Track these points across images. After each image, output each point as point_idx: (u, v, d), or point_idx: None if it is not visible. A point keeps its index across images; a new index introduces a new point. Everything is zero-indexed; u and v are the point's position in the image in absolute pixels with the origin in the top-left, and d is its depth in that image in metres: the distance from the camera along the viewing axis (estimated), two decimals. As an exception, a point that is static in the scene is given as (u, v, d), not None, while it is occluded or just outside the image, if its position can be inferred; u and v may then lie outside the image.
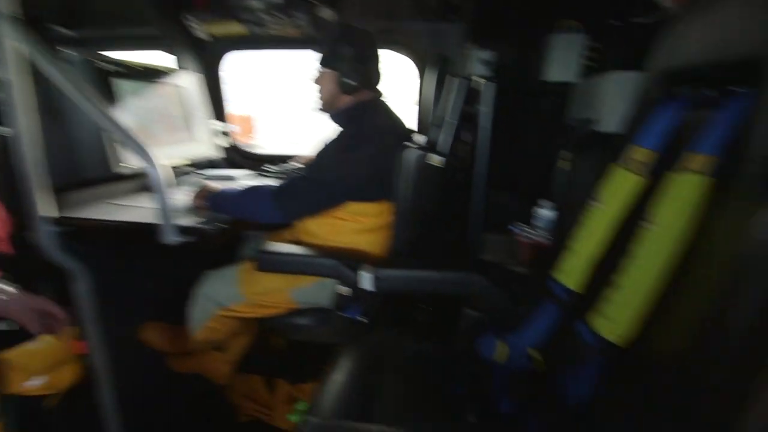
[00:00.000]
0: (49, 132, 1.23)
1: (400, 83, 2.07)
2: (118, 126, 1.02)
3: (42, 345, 1.51)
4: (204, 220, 1.18)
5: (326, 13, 1.71)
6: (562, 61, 1.52)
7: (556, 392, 0.69)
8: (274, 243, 1.23)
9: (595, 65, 1.50)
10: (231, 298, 1.29)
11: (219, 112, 2.02)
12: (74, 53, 1.35)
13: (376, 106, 1.32)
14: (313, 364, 1.64)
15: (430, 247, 1.26)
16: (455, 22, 1.74)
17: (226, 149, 2.02)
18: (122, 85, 1.41)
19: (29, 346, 1.49)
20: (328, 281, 1.26)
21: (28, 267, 1.52)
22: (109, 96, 1.35)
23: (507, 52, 1.54)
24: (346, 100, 1.32)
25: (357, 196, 1.23)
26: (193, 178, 1.73)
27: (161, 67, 1.67)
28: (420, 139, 1.45)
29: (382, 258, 1.12)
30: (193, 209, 1.28)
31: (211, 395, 1.59)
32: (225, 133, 1.97)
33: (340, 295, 1.21)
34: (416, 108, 1.93)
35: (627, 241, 0.62)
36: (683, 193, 0.54)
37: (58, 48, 1.64)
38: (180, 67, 1.82)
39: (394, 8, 1.75)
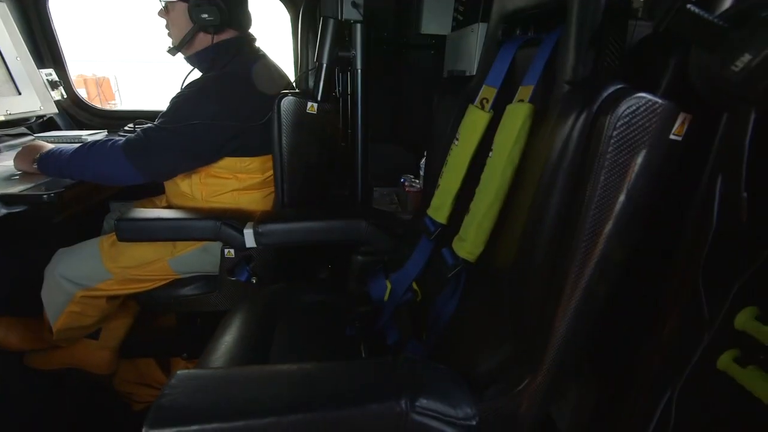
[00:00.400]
0: None
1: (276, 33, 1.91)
2: None
3: None
4: (38, 185, 0.98)
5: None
6: (436, 13, 1.59)
7: (431, 315, 0.77)
8: (137, 209, 1.08)
9: (463, 19, 1.59)
10: (95, 276, 1.13)
11: (50, 55, 1.63)
12: None
13: (244, 47, 1.20)
14: (208, 335, 1.57)
15: (316, 201, 1.25)
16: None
17: (66, 104, 1.67)
18: None
19: None
20: (211, 245, 1.18)
21: None
22: None
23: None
24: (206, 40, 1.16)
25: (232, 150, 1.13)
26: (23, 140, 1.40)
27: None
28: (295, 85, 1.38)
29: (266, 213, 1.07)
30: (21, 175, 1.05)
31: (95, 389, 1.42)
32: (60, 84, 1.60)
33: (227, 258, 1.14)
34: (293, 56, 1.82)
35: (479, 172, 0.70)
36: (513, 120, 0.62)
37: None
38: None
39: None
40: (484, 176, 0.67)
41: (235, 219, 1.11)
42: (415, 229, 0.96)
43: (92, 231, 1.52)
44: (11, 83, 1.36)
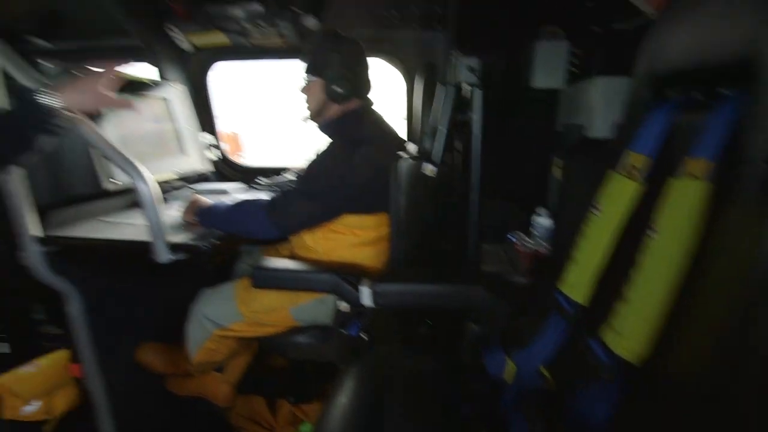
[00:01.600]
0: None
1: (389, 92, 2.07)
2: (103, 140, 0.99)
3: (36, 369, 1.47)
4: (196, 236, 1.15)
5: (310, 21, 1.69)
6: (548, 67, 1.54)
7: (571, 412, 0.68)
8: (270, 258, 1.20)
9: (579, 71, 1.52)
10: (229, 317, 1.26)
11: (208, 125, 1.99)
12: (54, 66, 1.32)
13: (366, 114, 1.31)
14: (315, 383, 1.63)
15: (428, 258, 1.25)
16: (440, 30, 1.75)
17: (216, 162, 1.99)
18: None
19: (24, 370, 1.45)
20: (328, 298, 1.24)
21: (22, 289, 1.49)
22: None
23: (493, 59, 1.55)
24: (335, 110, 1.30)
25: (352, 208, 1.21)
26: (184, 193, 1.69)
27: (146, 79, 1.63)
28: (412, 148, 1.45)
29: (381, 271, 1.10)
30: (184, 225, 1.25)
31: (213, 418, 1.55)
32: (214, 146, 1.93)
33: (341, 312, 1.19)
34: (405, 117, 1.93)
35: (631, 250, 0.61)
36: (685, 199, 0.53)
37: (37, 61, 1.60)
38: (164, 79, 1.78)
39: (379, 16, 1.75)
40: (645, 259, 0.58)
41: (352, 274, 1.17)
42: (539, 301, 0.88)
43: (227, 270, 1.74)
44: (181, 147, 1.67)
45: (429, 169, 1.10)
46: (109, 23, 1.72)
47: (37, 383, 1.45)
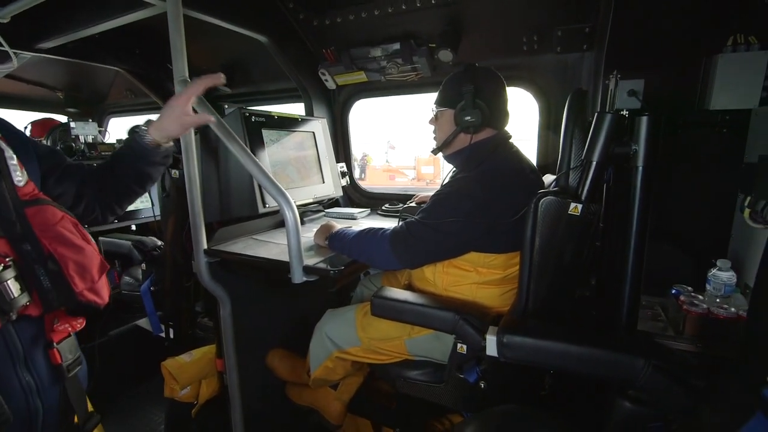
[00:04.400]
0: (209, 175, 1.47)
1: (524, 122, 1.95)
2: (262, 170, 1.14)
3: (191, 358, 1.75)
4: (325, 259, 1.23)
5: (445, 55, 1.71)
6: (734, 84, 1.24)
7: None
8: (389, 288, 1.20)
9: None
10: (348, 341, 1.30)
11: (343, 154, 2.17)
12: (232, 107, 1.61)
13: (499, 146, 1.23)
14: (423, 418, 1.56)
15: (565, 307, 1.08)
16: (589, 51, 1.58)
17: (346, 188, 2.14)
18: (268, 133, 1.61)
19: (182, 358, 1.74)
20: (444, 335, 1.17)
21: (197, 290, 1.82)
22: (259, 143, 1.55)
23: (657, 79, 1.31)
24: (465, 140, 1.26)
25: (478, 246, 1.14)
26: (320, 217, 1.86)
27: (297, 116, 1.87)
28: (549, 181, 1.30)
29: (510, 319, 0.99)
30: (316, 247, 1.35)
31: (322, 431, 1.61)
32: (346, 174, 2.09)
33: (458, 353, 1.10)
34: (540, 148, 1.78)
35: None
36: None
37: (219, 103, 1.99)
38: (311, 115, 2.01)
39: (516, 43, 1.67)
40: None
41: (473, 315, 1.08)
42: (725, 387, 0.66)
43: (347, 292, 1.83)
44: (320, 175, 1.85)
45: (574, 207, 0.96)
46: (273, 70, 2.05)
47: (191, 371, 1.71)
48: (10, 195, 0.64)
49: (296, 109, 2.34)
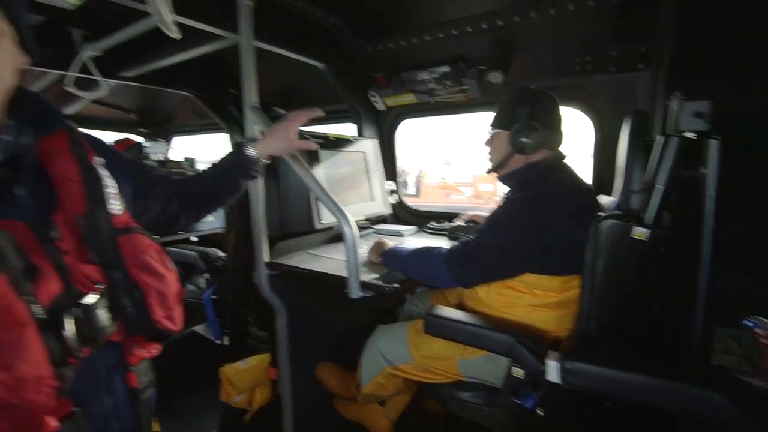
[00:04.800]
0: (269, 192, 1.57)
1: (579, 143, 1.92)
2: (323, 189, 1.21)
3: (246, 365, 1.84)
4: (381, 275, 1.26)
5: (495, 77, 1.73)
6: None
7: None
8: (442, 307, 1.21)
9: None
10: (400, 357, 1.32)
11: (391, 172, 2.23)
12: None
13: (555, 167, 1.23)
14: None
15: (631, 335, 1.04)
16: (648, 70, 1.54)
17: (394, 206, 2.19)
18: (324, 153, 1.70)
19: (238, 365, 1.83)
20: (499, 357, 1.16)
21: (244, 299, 1.92)
22: (317, 162, 1.64)
23: (728, 99, 1.26)
24: (520, 161, 1.27)
25: (535, 268, 1.13)
26: (369, 233, 1.91)
27: (349, 136, 1.95)
28: (605, 202, 1.28)
29: (572, 344, 0.97)
30: (369, 263, 1.39)
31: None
32: (395, 192, 2.14)
33: (513, 377, 1.09)
34: (594, 168, 1.74)
35: None
36: None
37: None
38: (362, 135, 2.10)
39: (569, 63, 1.67)
40: None
41: (530, 338, 1.07)
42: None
43: (393, 308, 1.85)
44: (370, 192, 1.91)
45: (639, 231, 0.94)
46: (325, 93, 2.16)
47: (247, 378, 1.80)
48: (106, 224, 0.67)
49: (344, 129, 2.45)
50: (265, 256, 1.43)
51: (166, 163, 2.38)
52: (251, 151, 1.06)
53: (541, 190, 1.16)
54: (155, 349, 0.75)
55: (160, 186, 0.93)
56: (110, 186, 0.71)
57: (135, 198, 0.85)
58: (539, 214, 1.11)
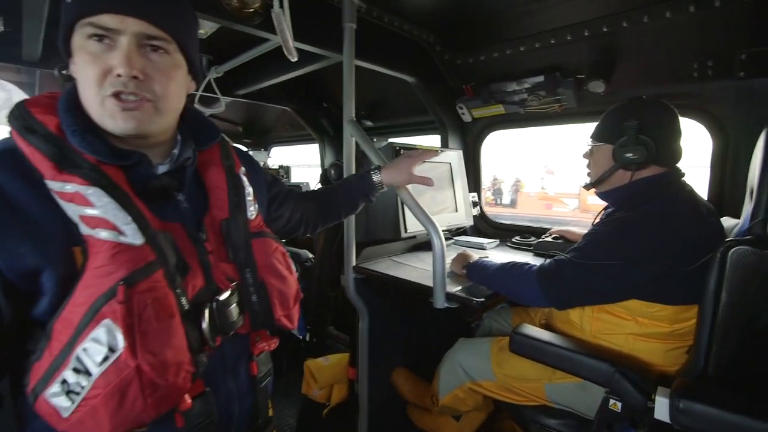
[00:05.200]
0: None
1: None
2: (414, 199, 1.25)
3: (327, 363, 1.95)
4: (464, 288, 1.26)
5: (595, 86, 1.63)
6: None
7: None
8: (529, 326, 1.17)
9: None
10: (482, 373, 1.29)
11: (475, 184, 2.21)
12: (380, 140, 1.80)
13: (670, 185, 1.12)
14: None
15: (758, 378, 0.90)
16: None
17: (476, 218, 2.16)
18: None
19: (320, 361, 1.94)
20: (592, 386, 1.08)
21: (334, 301, 2.04)
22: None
23: None
24: (624, 177, 1.17)
25: (641, 294, 1.03)
26: (450, 245, 1.91)
27: (437, 148, 1.99)
28: (729, 225, 1.12)
29: (686, 382, 0.87)
30: (451, 275, 1.39)
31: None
32: (477, 204, 2.11)
33: (610, 410, 1.01)
34: (710, 187, 1.54)
35: None
36: None
37: (369, 136, 2.23)
38: (447, 146, 2.11)
39: (682, 69, 1.50)
40: None
41: (632, 369, 0.98)
42: None
43: (473, 323, 1.82)
44: (454, 204, 1.91)
45: (779, 261, 0.81)
46: (411, 105, 2.23)
47: (327, 374, 1.90)
48: (243, 227, 0.74)
49: (427, 140, 2.49)
50: (353, 261, 1.51)
51: (264, 171, 2.66)
52: (376, 177, 1.17)
53: (653, 210, 1.05)
54: (274, 344, 0.81)
55: (290, 198, 1.04)
56: (249, 193, 0.79)
57: (268, 206, 0.95)
58: (651, 237, 1.01)
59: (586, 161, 1.29)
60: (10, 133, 0.60)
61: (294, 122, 3.10)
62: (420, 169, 1.75)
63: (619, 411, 1.00)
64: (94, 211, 0.57)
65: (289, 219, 1.04)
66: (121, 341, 0.54)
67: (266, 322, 0.76)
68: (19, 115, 0.60)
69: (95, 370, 0.54)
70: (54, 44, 1.54)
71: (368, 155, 1.35)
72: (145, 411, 0.56)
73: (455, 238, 2.00)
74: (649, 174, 1.15)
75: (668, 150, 1.14)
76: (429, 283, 1.24)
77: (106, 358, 0.54)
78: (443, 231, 1.91)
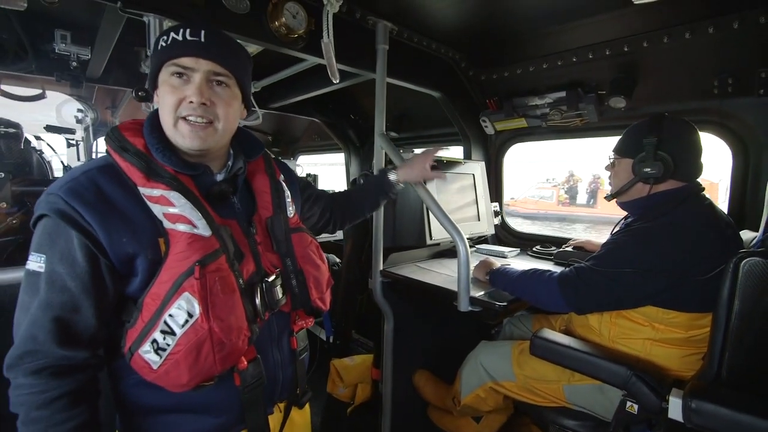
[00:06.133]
0: (387, 208, 1.76)
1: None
2: (440, 208, 1.34)
3: (352, 362, 2.04)
4: (487, 293, 1.33)
5: (616, 101, 1.69)
6: None
7: None
8: (549, 330, 1.23)
9: None
10: (503, 374, 1.36)
11: (497, 194, 2.28)
12: (406, 151, 1.90)
13: (688, 198, 1.17)
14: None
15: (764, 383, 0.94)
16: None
17: (497, 227, 2.23)
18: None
19: (346, 361, 2.04)
20: (609, 388, 1.14)
21: (359, 305, 2.14)
22: (432, 183, 1.79)
23: None
24: (643, 189, 1.23)
25: (658, 301, 1.09)
26: (472, 252, 1.98)
27: (461, 159, 2.07)
28: (749, 238, 1.16)
29: (699, 384, 0.92)
30: (473, 281, 1.46)
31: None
32: (498, 213, 2.18)
33: (627, 412, 1.06)
34: (730, 201, 1.57)
35: None
36: None
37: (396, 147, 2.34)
38: (470, 158, 2.20)
39: (704, 85, 1.55)
40: None
41: (648, 373, 1.03)
42: None
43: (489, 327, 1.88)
44: (476, 213, 1.99)
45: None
46: (435, 117, 2.32)
47: (353, 374, 1.99)
48: (284, 224, 0.90)
49: (451, 151, 2.58)
50: (381, 265, 1.61)
51: (293, 177, 2.80)
52: (393, 176, 1.32)
53: (672, 222, 1.11)
54: (310, 322, 0.96)
55: (320, 199, 1.21)
56: (288, 196, 0.96)
57: (303, 206, 1.12)
58: (669, 247, 1.07)
59: (608, 173, 1.36)
60: (107, 150, 0.77)
61: (321, 132, 3.25)
62: (447, 182, 1.85)
63: (636, 413, 1.05)
64: (174, 209, 0.73)
65: (320, 217, 1.21)
66: (197, 308, 0.70)
67: (304, 302, 0.91)
68: (115, 137, 0.77)
69: (178, 331, 0.70)
70: (113, 64, 1.72)
71: (397, 166, 1.46)
72: (214, 365, 0.72)
73: (477, 246, 2.07)
74: (668, 188, 1.20)
75: (686, 165, 1.19)
76: (453, 287, 1.32)
77: (186, 322, 0.70)
78: (467, 238, 2.00)
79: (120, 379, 0.79)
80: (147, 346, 0.70)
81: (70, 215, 0.68)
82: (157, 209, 0.72)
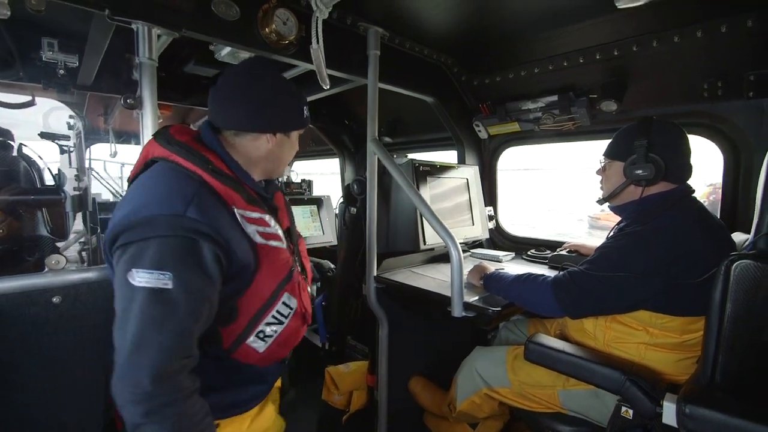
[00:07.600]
0: (381, 214, 1.75)
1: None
2: (433, 214, 1.33)
3: (347, 369, 2.02)
4: (480, 298, 1.32)
5: (607, 105, 1.70)
6: None
7: None
8: (544, 335, 1.22)
9: None
10: (498, 380, 1.35)
11: (491, 199, 2.28)
12: (400, 156, 1.90)
13: (680, 200, 1.17)
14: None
15: (762, 386, 0.93)
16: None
17: (491, 231, 2.22)
18: (431, 179, 1.84)
19: (342, 368, 2.01)
20: (604, 393, 1.13)
21: (354, 311, 2.13)
22: (425, 188, 1.78)
23: None
24: (635, 193, 1.23)
25: (650, 305, 1.09)
26: (466, 257, 1.98)
27: (454, 164, 2.07)
28: (740, 240, 1.16)
29: (693, 389, 0.91)
30: (467, 285, 1.46)
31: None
32: (493, 217, 2.18)
33: (622, 416, 1.05)
34: (722, 204, 1.58)
35: None
36: None
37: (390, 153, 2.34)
38: (463, 162, 2.20)
39: (693, 88, 1.56)
40: None
41: (643, 378, 1.03)
42: None
43: (486, 333, 1.87)
44: (470, 217, 1.99)
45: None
46: (429, 122, 2.33)
47: (348, 381, 1.97)
48: (295, 231, 1.12)
49: (445, 156, 2.58)
50: (375, 271, 1.60)
51: (288, 184, 2.77)
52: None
53: (664, 225, 1.10)
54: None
55: None
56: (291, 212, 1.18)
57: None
58: (661, 250, 1.06)
59: (599, 177, 1.36)
60: (195, 171, 0.84)
61: (316, 138, 3.25)
62: (439, 186, 1.85)
63: (631, 418, 1.05)
64: (270, 229, 0.93)
65: None
66: (295, 303, 0.98)
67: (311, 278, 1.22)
68: (200, 161, 0.85)
69: (285, 321, 0.96)
70: (104, 71, 1.71)
71: (390, 172, 1.45)
72: (296, 341, 1.02)
73: (471, 250, 2.07)
74: (659, 190, 1.20)
75: (677, 167, 1.19)
76: (447, 293, 1.31)
77: (289, 313, 0.96)
78: (460, 244, 2.00)
79: (216, 366, 0.92)
80: (253, 338, 0.91)
81: (202, 230, 0.77)
82: (252, 228, 0.88)
